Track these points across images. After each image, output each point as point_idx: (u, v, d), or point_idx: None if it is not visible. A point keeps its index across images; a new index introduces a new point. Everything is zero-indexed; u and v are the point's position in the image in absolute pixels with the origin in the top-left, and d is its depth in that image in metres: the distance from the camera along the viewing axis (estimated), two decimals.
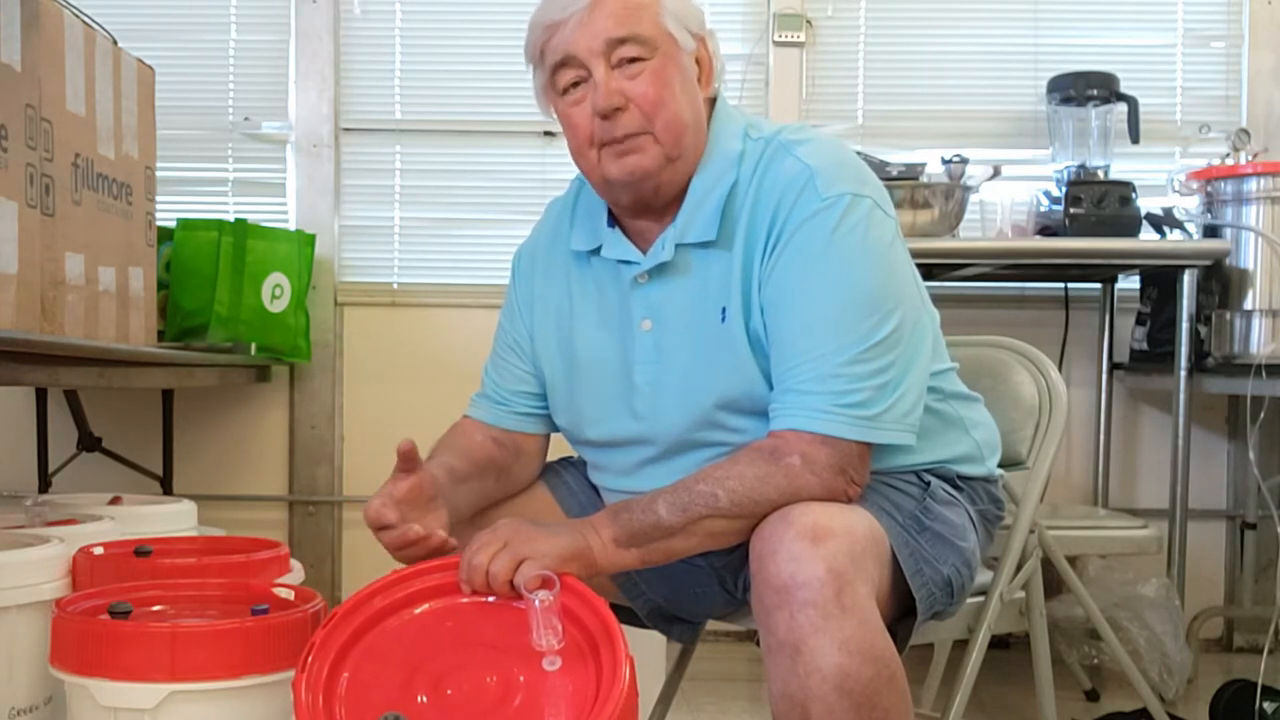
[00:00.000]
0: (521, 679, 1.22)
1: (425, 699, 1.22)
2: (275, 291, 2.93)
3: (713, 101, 1.50)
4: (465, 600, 1.31)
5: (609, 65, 1.40)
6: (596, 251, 1.53)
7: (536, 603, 1.23)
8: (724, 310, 1.42)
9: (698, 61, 1.46)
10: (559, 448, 1.68)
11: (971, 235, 2.97)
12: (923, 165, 2.86)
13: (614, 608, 1.61)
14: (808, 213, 1.37)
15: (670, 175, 1.43)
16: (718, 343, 1.42)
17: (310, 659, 1.24)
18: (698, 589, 1.55)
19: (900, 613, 1.40)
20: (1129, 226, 2.84)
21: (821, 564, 1.21)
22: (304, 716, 1.19)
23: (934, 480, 1.48)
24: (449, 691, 1.22)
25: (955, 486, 1.51)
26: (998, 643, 1.93)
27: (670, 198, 1.46)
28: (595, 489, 1.62)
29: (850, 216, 1.37)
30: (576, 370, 1.54)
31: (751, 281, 1.41)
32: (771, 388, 1.40)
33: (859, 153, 1.77)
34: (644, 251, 1.48)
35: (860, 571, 1.24)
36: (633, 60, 1.40)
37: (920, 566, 1.38)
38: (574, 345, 1.55)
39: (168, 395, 3.00)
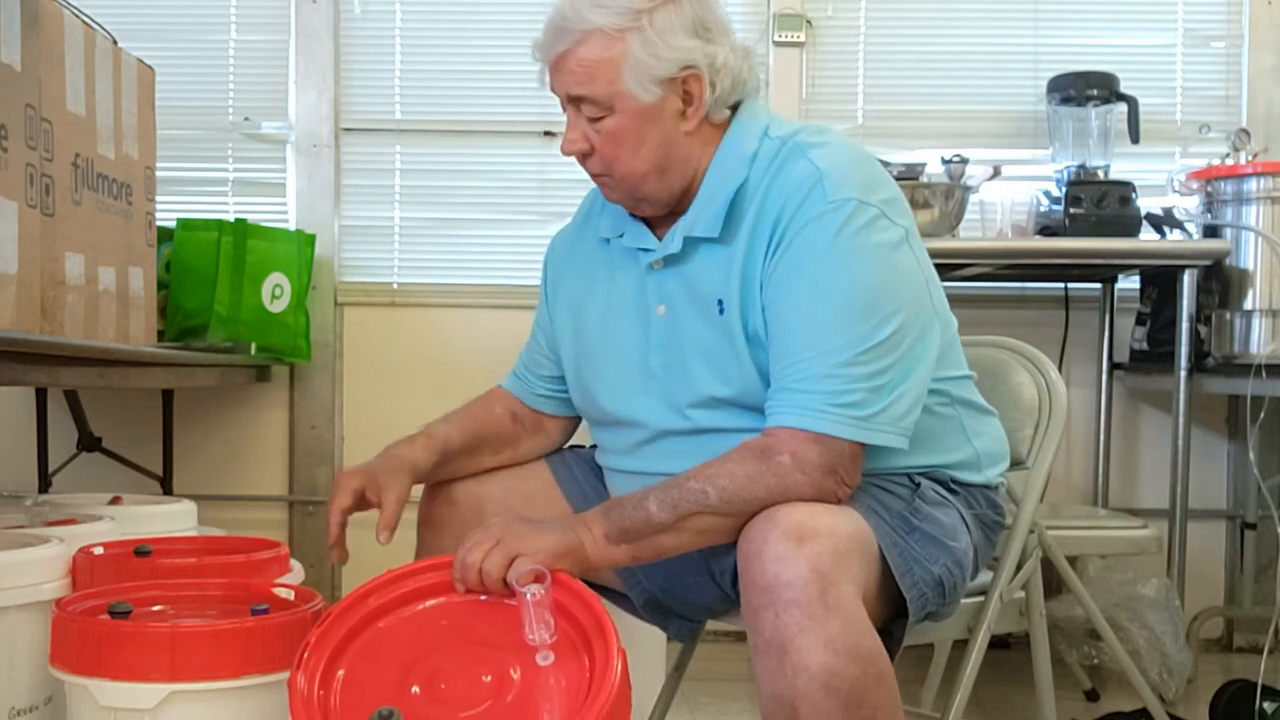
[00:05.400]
0: (515, 674, 1.23)
1: (419, 693, 1.22)
2: (275, 291, 2.93)
3: (735, 106, 1.51)
4: (459, 598, 1.32)
5: (577, 110, 1.46)
6: (620, 237, 1.57)
7: (529, 597, 1.24)
8: (721, 303, 1.44)
9: (688, 92, 1.46)
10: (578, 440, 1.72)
11: (971, 235, 2.97)
12: (923, 165, 2.86)
13: (612, 595, 1.62)
14: (812, 214, 1.39)
15: (654, 196, 1.49)
16: (716, 335, 1.44)
17: (306, 656, 1.25)
18: (691, 579, 1.56)
19: (894, 614, 1.40)
20: (1129, 226, 2.84)
21: (805, 564, 1.22)
22: (299, 712, 1.20)
23: (924, 482, 1.48)
24: (443, 686, 1.23)
25: (949, 490, 1.51)
26: (998, 643, 1.93)
27: (667, 206, 1.50)
28: (600, 481, 1.64)
29: (854, 221, 1.38)
30: (590, 348, 1.58)
31: (753, 279, 1.42)
32: (769, 385, 1.40)
33: None
34: (660, 240, 1.52)
35: (845, 571, 1.25)
36: (593, 118, 1.45)
37: (910, 567, 1.39)
38: (589, 325, 1.59)
39: (168, 395, 3.00)
